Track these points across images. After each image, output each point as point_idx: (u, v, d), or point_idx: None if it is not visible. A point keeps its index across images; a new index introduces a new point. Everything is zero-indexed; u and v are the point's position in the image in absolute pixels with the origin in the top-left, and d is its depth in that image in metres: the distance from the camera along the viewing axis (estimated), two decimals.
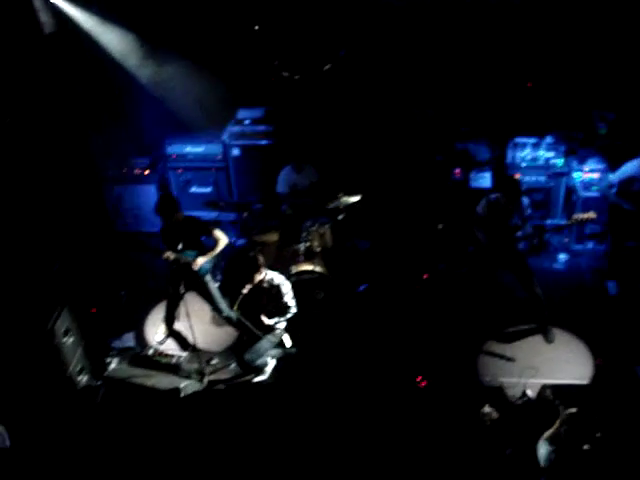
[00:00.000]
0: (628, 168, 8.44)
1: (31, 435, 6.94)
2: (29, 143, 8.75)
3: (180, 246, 7.76)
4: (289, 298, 7.69)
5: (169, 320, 8.45)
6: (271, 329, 7.68)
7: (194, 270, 7.80)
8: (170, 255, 7.71)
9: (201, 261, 7.81)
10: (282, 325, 7.78)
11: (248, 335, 7.70)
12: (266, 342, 7.63)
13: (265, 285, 7.65)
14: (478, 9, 9.77)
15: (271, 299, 7.68)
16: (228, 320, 8.22)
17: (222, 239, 7.94)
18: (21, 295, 7.79)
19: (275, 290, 7.64)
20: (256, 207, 9.43)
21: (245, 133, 10.32)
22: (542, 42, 9.82)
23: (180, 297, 8.12)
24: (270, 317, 7.65)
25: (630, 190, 8.37)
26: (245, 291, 7.51)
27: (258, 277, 7.54)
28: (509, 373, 7.71)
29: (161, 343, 8.52)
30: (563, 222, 7.56)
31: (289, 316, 7.75)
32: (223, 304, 8.24)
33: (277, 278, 7.66)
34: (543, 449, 5.68)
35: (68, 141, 9.58)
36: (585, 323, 8.29)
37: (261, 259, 7.56)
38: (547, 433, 5.73)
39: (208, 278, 8.10)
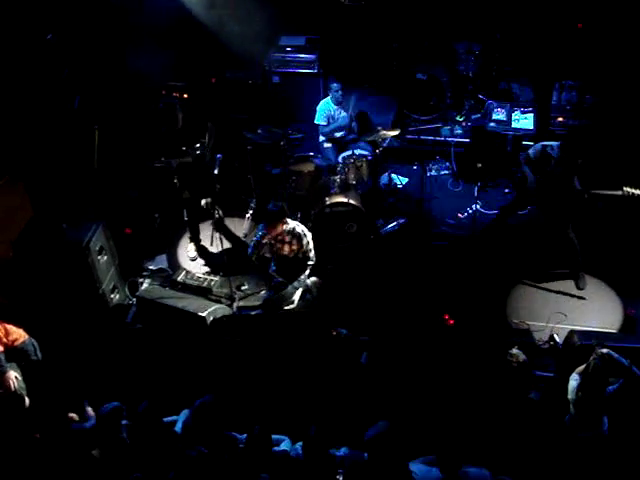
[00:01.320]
0: None
1: (62, 349, 7.12)
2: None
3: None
4: (310, 248, 7.56)
5: (194, 233, 8.76)
6: (294, 277, 7.65)
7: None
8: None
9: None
10: (305, 272, 7.71)
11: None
12: (291, 288, 7.61)
13: (286, 235, 7.48)
14: None
15: (292, 249, 7.58)
16: None
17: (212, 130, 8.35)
18: (59, 212, 7.91)
19: (296, 240, 7.51)
20: (292, 136, 9.36)
21: (286, 60, 10.18)
22: None
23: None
24: (291, 267, 7.61)
25: None
26: (265, 241, 7.43)
27: (280, 228, 7.34)
28: (538, 317, 7.70)
29: (193, 259, 8.72)
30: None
31: (309, 266, 7.64)
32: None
33: (298, 227, 7.51)
34: (573, 382, 5.78)
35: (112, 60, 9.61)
36: (619, 271, 8.19)
37: (287, 210, 7.49)
38: (579, 367, 5.82)
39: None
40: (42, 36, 8.55)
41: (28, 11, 8.18)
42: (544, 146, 7.80)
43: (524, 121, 9.39)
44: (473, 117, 10.39)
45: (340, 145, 9.48)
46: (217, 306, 7.55)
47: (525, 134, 9.24)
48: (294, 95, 10.27)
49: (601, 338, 6.34)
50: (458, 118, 10.39)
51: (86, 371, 6.88)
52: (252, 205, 9.23)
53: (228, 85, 10.39)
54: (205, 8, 9.87)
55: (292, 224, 7.48)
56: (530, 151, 7.92)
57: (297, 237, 7.48)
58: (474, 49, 10.27)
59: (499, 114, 9.51)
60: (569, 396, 5.80)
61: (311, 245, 7.55)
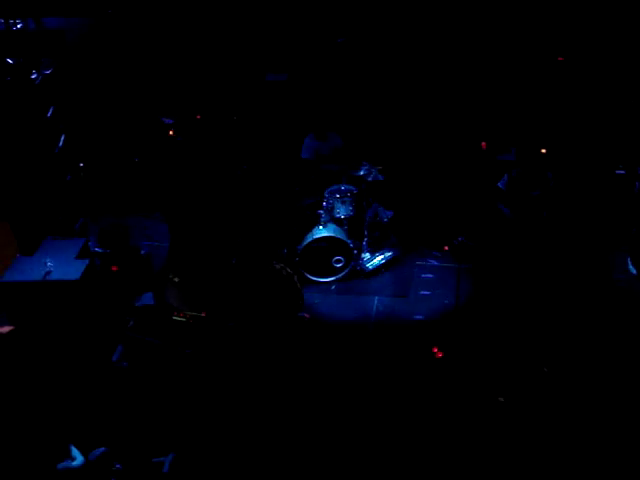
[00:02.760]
0: None
1: (47, 389, 7.03)
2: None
3: None
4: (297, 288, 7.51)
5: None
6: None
7: None
8: None
9: None
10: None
11: None
12: None
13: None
14: None
15: (281, 292, 7.56)
16: None
17: None
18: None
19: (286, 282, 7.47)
20: None
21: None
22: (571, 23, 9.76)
23: None
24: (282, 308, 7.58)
25: None
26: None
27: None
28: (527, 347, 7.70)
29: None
30: None
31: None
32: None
33: (285, 269, 7.48)
34: None
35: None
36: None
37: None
38: None
39: None
40: (27, 75, 8.57)
41: (13, 48, 8.22)
42: (509, 174, 8.36)
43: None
44: None
45: (326, 179, 9.53)
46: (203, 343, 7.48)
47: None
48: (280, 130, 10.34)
49: None
50: None
51: (72, 411, 6.80)
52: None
53: (214, 121, 10.47)
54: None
55: (277, 267, 7.41)
56: (501, 185, 8.38)
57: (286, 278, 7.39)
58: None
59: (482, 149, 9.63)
60: None
61: (299, 285, 7.48)
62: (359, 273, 8.90)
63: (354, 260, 8.79)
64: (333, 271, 8.75)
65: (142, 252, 8.98)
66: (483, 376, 6.89)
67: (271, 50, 10.36)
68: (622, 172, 8.98)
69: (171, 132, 10.18)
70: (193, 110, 10.58)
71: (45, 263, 7.64)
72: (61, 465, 5.61)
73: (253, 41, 10.23)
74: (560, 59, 9.89)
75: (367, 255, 9.04)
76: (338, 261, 8.69)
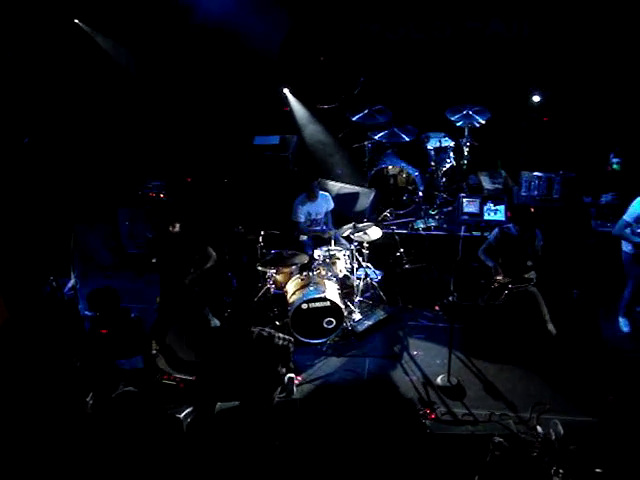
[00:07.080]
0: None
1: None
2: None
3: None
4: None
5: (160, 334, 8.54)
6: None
7: (184, 282, 8.36)
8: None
9: (191, 277, 8.38)
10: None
11: None
12: None
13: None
14: (497, 43, 10.33)
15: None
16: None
17: (212, 256, 8.55)
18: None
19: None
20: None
21: (261, 159, 10.35)
22: (558, 76, 10.01)
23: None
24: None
25: None
26: None
27: None
28: (520, 407, 7.64)
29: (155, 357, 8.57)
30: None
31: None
32: (210, 314, 8.78)
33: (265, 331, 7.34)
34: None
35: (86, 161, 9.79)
36: (593, 358, 8.24)
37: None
38: None
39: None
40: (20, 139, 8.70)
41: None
42: (501, 228, 8.33)
43: (495, 213, 9.60)
44: (445, 210, 10.57)
45: (316, 240, 9.56)
46: (190, 409, 7.37)
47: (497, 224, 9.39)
48: (270, 192, 10.41)
49: None
50: (431, 212, 10.56)
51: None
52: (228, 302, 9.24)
53: (205, 183, 10.56)
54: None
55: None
56: (490, 237, 8.43)
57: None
58: (444, 144, 10.54)
59: (471, 207, 9.69)
60: None
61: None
62: (350, 334, 8.85)
63: (345, 321, 8.76)
64: (324, 332, 8.70)
65: (132, 315, 8.95)
66: (476, 440, 6.80)
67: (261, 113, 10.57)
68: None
69: (162, 195, 10.28)
70: (183, 173, 10.70)
71: None
72: None
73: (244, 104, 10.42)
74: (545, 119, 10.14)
75: (358, 316, 9.02)
76: (329, 322, 8.65)
